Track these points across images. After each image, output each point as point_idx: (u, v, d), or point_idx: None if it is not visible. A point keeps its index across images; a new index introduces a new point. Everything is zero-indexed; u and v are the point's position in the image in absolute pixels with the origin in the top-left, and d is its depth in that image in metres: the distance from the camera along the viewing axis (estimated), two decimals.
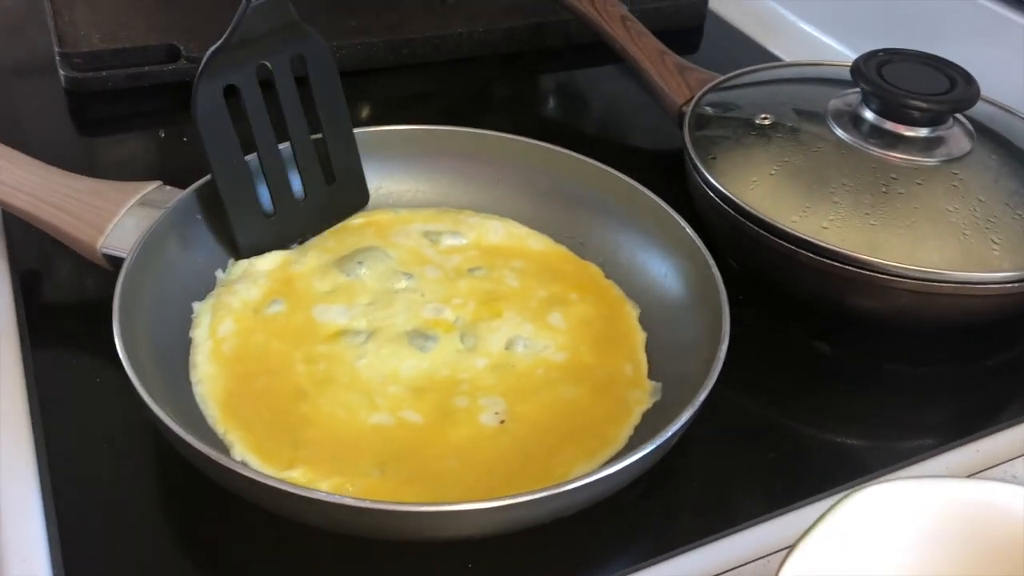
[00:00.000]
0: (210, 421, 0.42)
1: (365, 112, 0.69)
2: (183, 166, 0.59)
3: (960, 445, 0.45)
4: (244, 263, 0.49)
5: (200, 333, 0.45)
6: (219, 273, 0.49)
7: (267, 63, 0.47)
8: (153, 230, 0.45)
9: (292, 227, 0.50)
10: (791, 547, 0.29)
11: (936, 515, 0.30)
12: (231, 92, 0.46)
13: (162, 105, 0.65)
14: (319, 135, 0.50)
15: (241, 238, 0.48)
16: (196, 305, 0.47)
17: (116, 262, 0.45)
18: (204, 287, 0.48)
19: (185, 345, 0.45)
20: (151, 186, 0.48)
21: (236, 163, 0.47)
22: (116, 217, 0.46)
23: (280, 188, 0.49)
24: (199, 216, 0.48)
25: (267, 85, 0.47)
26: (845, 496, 0.31)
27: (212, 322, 0.46)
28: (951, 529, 0.30)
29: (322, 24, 0.70)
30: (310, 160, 0.50)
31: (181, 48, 0.66)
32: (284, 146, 0.49)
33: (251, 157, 0.48)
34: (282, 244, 0.50)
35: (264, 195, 0.49)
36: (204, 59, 0.44)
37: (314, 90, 0.49)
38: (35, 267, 0.52)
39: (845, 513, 0.30)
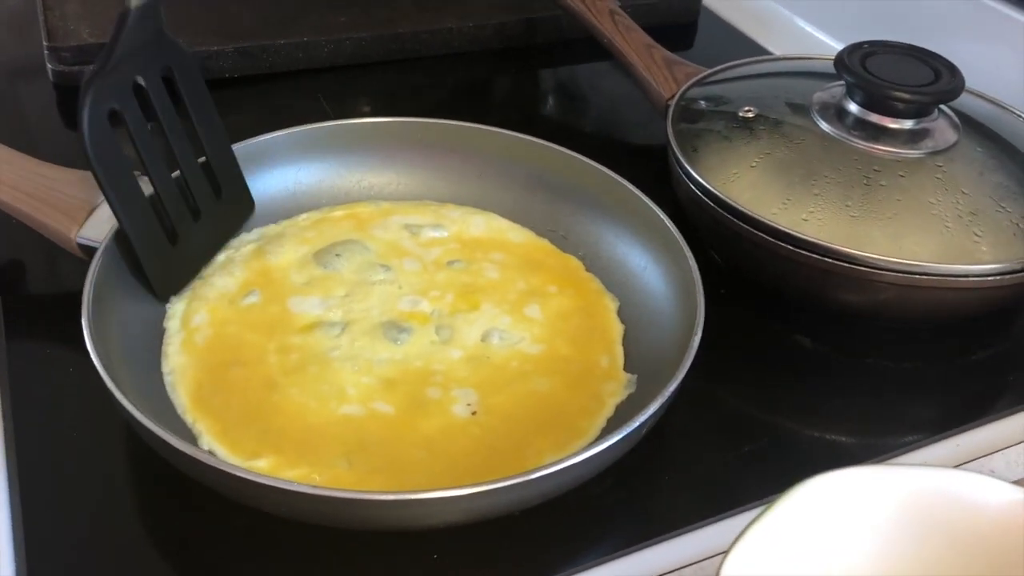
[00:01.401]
0: (179, 411, 0.42)
1: (354, 107, 0.69)
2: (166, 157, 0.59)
3: (940, 440, 0.45)
4: (221, 255, 0.49)
5: (173, 324, 0.45)
6: None
7: (140, 79, 0.44)
8: None
9: (196, 251, 0.48)
10: (734, 540, 0.28)
11: (890, 504, 0.30)
12: (112, 118, 0.42)
13: None
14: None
15: (158, 280, 0.45)
16: (172, 296, 0.47)
17: (91, 252, 0.45)
18: None
19: (159, 336, 0.45)
20: None
21: (135, 196, 0.43)
22: (91, 207, 0.46)
23: (178, 212, 0.46)
24: None
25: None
26: (793, 487, 0.30)
27: (186, 313, 0.46)
28: (906, 518, 0.30)
29: (312, 19, 0.71)
30: (197, 177, 0.47)
31: None
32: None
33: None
34: (193, 273, 0.47)
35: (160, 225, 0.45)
36: (84, 85, 0.41)
37: (186, 101, 0.46)
38: (13, 256, 0.52)
39: (792, 504, 0.29)
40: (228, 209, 0.49)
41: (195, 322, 0.45)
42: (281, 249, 0.50)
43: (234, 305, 0.47)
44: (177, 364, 0.43)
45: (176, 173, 0.46)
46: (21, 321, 0.48)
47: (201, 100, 0.47)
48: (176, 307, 0.46)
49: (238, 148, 0.50)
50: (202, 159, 0.48)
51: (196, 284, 0.48)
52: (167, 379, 0.43)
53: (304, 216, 0.52)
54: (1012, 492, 0.30)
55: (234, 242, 0.50)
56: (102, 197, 0.47)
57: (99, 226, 0.46)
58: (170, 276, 0.46)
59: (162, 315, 0.46)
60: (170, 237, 0.46)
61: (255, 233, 0.51)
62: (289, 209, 0.52)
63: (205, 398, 0.42)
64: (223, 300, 0.47)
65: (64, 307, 0.47)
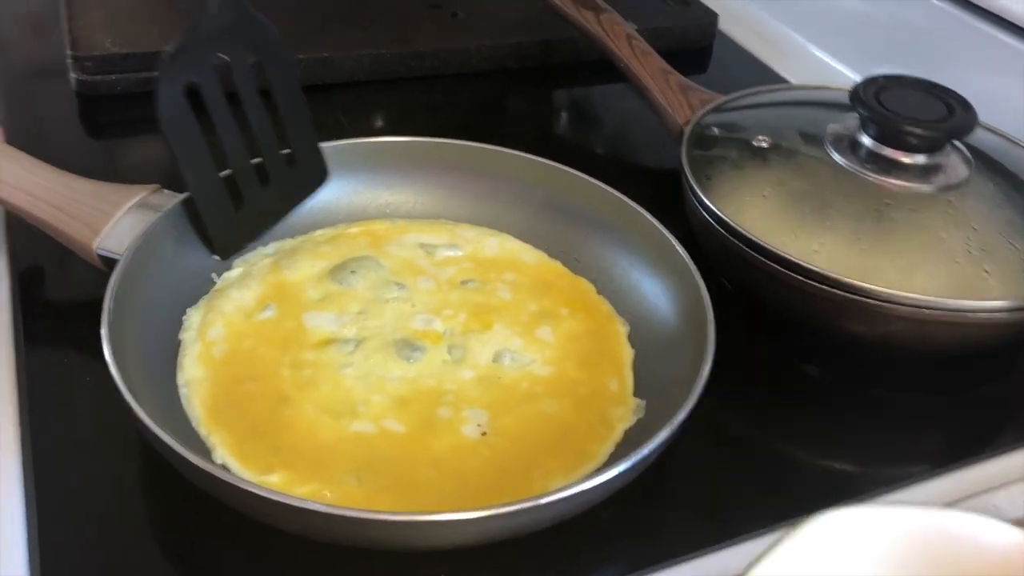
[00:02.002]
0: (194, 423, 0.42)
1: (371, 122, 0.70)
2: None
3: (944, 473, 0.45)
4: (238, 268, 0.50)
5: (190, 336, 0.46)
6: (214, 277, 0.49)
7: (224, 55, 0.47)
8: (148, 232, 0.46)
9: (261, 215, 0.50)
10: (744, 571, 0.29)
11: (895, 543, 0.30)
12: (191, 91, 0.45)
13: None
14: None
15: (218, 239, 0.48)
16: (189, 308, 0.47)
17: (111, 263, 0.45)
18: (198, 290, 0.48)
19: (175, 347, 0.46)
20: (149, 189, 0.49)
21: (204, 162, 0.47)
22: (113, 219, 0.47)
23: (246, 179, 0.49)
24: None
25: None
26: (801, 522, 0.31)
27: (202, 325, 0.46)
28: (911, 559, 0.30)
29: (333, 35, 0.72)
30: (271, 146, 0.50)
31: None
32: None
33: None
34: (254, 236, 0.50)
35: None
36: (162, 60, 0.44)
37: (269, 75, 0.49)
38: (35, 264, 0.53)
39: (800, 540, 0.30)
40: (301, 176, 0.51)
41: (211, 335, 0.46)
42: (297, 264, 0.51)
43: (250, 319, 0.47)
44: (193, 376, 0.44)
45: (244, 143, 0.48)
46: (40, 328, 0.49)
47: (284, 72, 0.49)
48: (192, 319, 0.47)
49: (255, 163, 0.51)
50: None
51: (213, 295, 0.48)
52: (182, 391, 0.44)
53: (320, 232, 0.53)
54: (1014, 534, 0.31)
55: (251, 256, 0.51)
56: (123, 207, 0.48)
57: (120, 236, 0.46)
58: (231, 237, 0.49)
59: (178, 326, 0.47)
60: (236, 199, 0.48)
61: (272, 247, 0.52)
62: (306, 224, 0.53)
63: (220, 411, 0.42)
64: (239, 313, 0.47)
65: (82, 315, 0.47)
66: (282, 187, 0.51)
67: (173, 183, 0.50)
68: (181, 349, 0.46)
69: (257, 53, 0.48)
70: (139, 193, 0.48)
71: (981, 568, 0.31)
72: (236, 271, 0.50)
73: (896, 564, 0.30)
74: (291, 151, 0.51)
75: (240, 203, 0.49)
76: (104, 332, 0.40)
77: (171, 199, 0.48)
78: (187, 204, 0.48)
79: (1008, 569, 0.31)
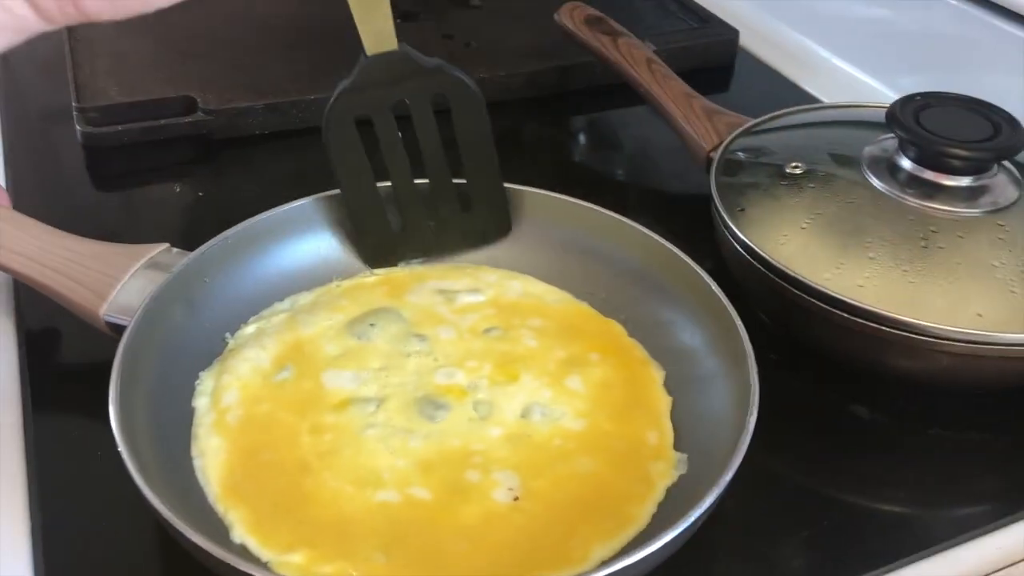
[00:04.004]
0: (210, 498, 0.40)
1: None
2: (197, 220, 0.58)
3: (1013, 522, 0.42)
4: (252, 325, 0.48)
5: (203, 402, 0.44)
6: (227, 337, 0.47)
7: (405, 99, 0.49)
8: (156, 296, 0.44)
9: (423, 243, 0.52)
10: None
11: None
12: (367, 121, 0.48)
13: (178, 158, 0.64)
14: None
15: (366, 249, 0.51)
16: (202, 372, 0.45)
17: (119, 329, 0.43)
18: (212, 352, 0.46)
19: (189, 415, 0.44)
20: (157, 249, 0.47)
21: (363, 175, 0.49)
22: (119, 283, 0.45)
23: (410, 203, 0.51)
24: (207, 279, 0.47)
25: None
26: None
27: (216, 390, 0.44)
28: None
29: (343, 74, 0.69)
30: (445, 186, 0.51)
31: (198, 100, 0.65)
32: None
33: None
34: (406, 256, 0.52)
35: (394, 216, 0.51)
36: (332, 97, 0.48)
37: (455, 123, 0.49)
38: (43, 327, 0.51)
39: None
40: (477, 222, 0.52)
41: (226, 401, 0.44)
42: (314, 319, 0.48)
43: (267, 381, 0.45)
44: (208, 447, 0.42)
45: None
46: (50, 397, 0.47)
47: (474, 124, 0.50)
48: (206, 383, 0.45)
49: (266, 216, 0.49)
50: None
51: (227, 357, 0.46)
52: (196, 462, 0.41)
53: (336, 283, 0.51)
54: None
55: (265, 312, 0.49)
56: (129, 271, 0.46)
57: (127, 301, 0.45)
58: (381, 251, 0.51)
59: (191, 392, 0.44)
60: (397, 222, 0.51)
61: (287, 302, 0.50)
62: (321, 277, 0.51)
63: (237, 485, 0.40)
64: (255, 375, 0.45)
65: (92, 380, 0.45)
66: (451, 224, 0.52)
67: (182, 240, 0.48)
68: (195, 417, 0.43)
69: (448, 99, 0.49)
70: (146, 254, 0.46)
71: None
72: (251, 328, 0.48)
73: None
74: (471, 196, 0.51)
75: (403, 227, 0.51)
76: (113, 411, 0.38)
77: (180, 257, 0.47)
78: (223, 256, 0.48)
79: None
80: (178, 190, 0.62)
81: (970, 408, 0.48)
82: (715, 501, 0.36)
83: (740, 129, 0.57)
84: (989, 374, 0.45)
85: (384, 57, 0.47)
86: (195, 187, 0.62)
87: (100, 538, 0.41)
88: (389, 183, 0.50)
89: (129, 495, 0.39)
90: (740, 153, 0.55)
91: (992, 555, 0.41)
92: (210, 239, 0.48)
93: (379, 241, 0.51)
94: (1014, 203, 0.48)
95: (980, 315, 0.44)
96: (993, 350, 0.43)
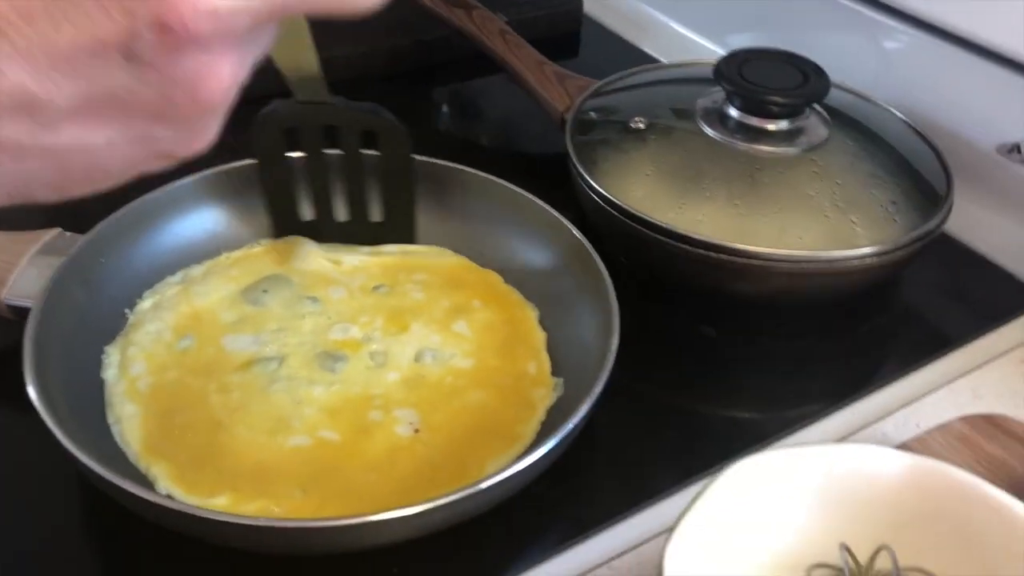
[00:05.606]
0: (132, 458, 0.43)
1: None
2: (85, 202, 0.59)
3: (836, 411, 0.49)
4: (148, 300, 0.50)
5: (112, 373, 0.46)
6: (127, 312, 0.50)
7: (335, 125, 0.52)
8: (56, 278, 0.46)
9: (325, 234, 0.55)
10: (671, 527, 0.32)
11: (804, 480, 0.34)
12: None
13: None
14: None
15: (276, 223, 0.54)
16: (107, 347, 0.48)
17: (21, 312, 0.45)
18: (114, 328, 0.49)
19: (100, 387, 0.46)
20: (51, 233, 0.49)
21: (282, 178, 0.53)
22: (17, 268, 0.47)
23: (322, 202, 0.54)
24: (103, 260, 0.49)
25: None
26: (718, 472, 0.34)
27: (123, 362, 0.47)
28: (817, 492, 0.34)
29: None
30: (359, 193, 0.54)
31: None
32: None
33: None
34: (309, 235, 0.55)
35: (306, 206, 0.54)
36: (266, 110, 0.50)
37: (381, 156, 0.53)
38: None
39: (718, 489, 0.33)
40: (381, 232, 0.55)
41: (134, 370, 0.46)
42: (207, 289, 0.51)
43: (170, 350, 0.48)
44: (123, 413, 0.45)
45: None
46: None
47: (396, 163, 0.53)
48: (112, 356, 0.47)
49: (155, 195, 0.52)
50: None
51: (129, 331, 0.49)
52: (114, 428, 0.44)
53: (226, 255, 0.54)
54: (900, 458, 0.35)
55: (158, 286, 0.52)
56: (26, 256, 0.48)
57: (27, 285, 0.46)
58: (286, 217, 0.54)
59: (99, 366, 0.47)
60: (308, 216, 0.54)
61: (179, 275, 0.52)
62: (210, 250, 0.54)
63: (156, 444, 0.43)
64: (158, 345, 0.48)
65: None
66: (358, 229, 0.55)
67: (73, 224, 0.50)
68: (106, 387, 0.46)
69: (376, 135, 0.52)
70: (40, 239, 0.48)
71: (878, 491, 0.36)
72: (147, 302, 0.51)
73: (805, 499, 0.34)
74: (383, 211, 0.54)
75: (313, 222, 0.54)
76: (30, 383, 0.41)
77: (74, 241, 0.49)
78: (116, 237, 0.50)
79: (900, 489, 0.35)
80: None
81: (799, 321, 0.55)
82: (587, 412, 0.42)
83: (589, 91, 0.63)
84: (813, 289, 0.52)
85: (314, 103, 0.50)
86: None
87: (26, 508, 0.43)
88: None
89: (47, 469, 0.42)
90: (591, 113, 0.61)
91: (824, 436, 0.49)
92: (100, 221, 0.50)
93: (289, 229, 0.54)
94: (824, 141, 0.55)
95: (801, 238, 0.51)
96: (815, 267, 0.50)
